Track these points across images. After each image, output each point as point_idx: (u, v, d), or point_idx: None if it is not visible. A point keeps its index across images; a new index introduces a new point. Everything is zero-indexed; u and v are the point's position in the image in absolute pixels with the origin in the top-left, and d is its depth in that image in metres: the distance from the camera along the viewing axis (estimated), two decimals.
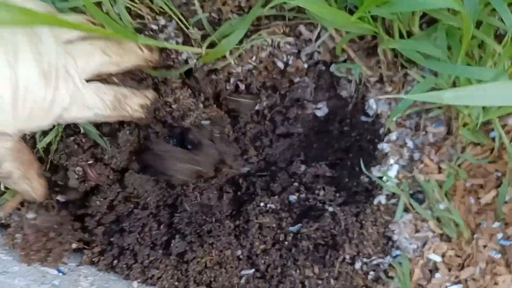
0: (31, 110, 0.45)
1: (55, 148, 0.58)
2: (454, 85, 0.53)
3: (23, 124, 0.46)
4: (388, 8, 0.35)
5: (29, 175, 0.50)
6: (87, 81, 0.49)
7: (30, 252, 0.55)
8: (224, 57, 0.59)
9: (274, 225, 0.58)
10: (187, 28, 0.57)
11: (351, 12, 0.54)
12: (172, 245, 0.56)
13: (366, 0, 0.33)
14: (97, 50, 0.50)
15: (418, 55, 0.49)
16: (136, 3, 0.57)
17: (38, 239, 0.55)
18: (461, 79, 0.48)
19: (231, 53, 0.59)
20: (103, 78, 0.53)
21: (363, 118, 0.61)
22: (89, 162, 0.58)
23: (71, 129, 0.59)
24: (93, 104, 0.50)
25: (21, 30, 0.43)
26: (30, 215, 0.57)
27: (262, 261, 0.57)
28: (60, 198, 0.60)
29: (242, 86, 0.63)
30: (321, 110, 0.63)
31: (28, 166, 0.50)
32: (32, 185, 0.51)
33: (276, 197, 0.59)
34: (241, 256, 0.58)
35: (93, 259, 0.58)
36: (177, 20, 0.57)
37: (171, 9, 0.55)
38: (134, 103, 0.54)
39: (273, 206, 0.59)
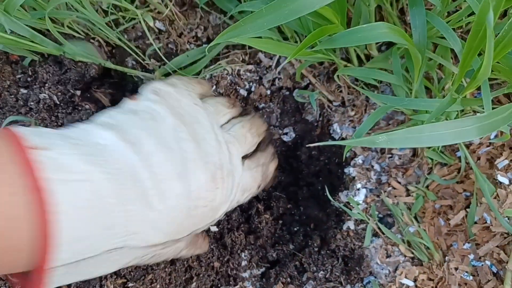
0: (202, 213, 0.44)
1: None
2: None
3: (194, 227, 0.45)
4: (330, 43, 0.35)
5: (196, 250, 0.52)
6: None
7: None
8: None
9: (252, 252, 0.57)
10: (143, 60, 0.57)
11: None
12: None
13: (303, 41, 0.33)
14: (248, 130, 0.51)
15: (374, 81, 0.48)
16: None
17: None
18: None
19: None
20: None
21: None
22: None
23: None
24: (250, 186, 0.50)
25: (188, 137, 0.42)
26: None
27: None
28: None
29: None
30: (288, 135, 0.62)
31: (196, 247, 0.52)
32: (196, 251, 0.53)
33: (248, 225, 0.58)
34: None
35: None
36: (133, 53, 0.56)
37: (125, 43, 0.54)
38: (272, 168, 0.54)
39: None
